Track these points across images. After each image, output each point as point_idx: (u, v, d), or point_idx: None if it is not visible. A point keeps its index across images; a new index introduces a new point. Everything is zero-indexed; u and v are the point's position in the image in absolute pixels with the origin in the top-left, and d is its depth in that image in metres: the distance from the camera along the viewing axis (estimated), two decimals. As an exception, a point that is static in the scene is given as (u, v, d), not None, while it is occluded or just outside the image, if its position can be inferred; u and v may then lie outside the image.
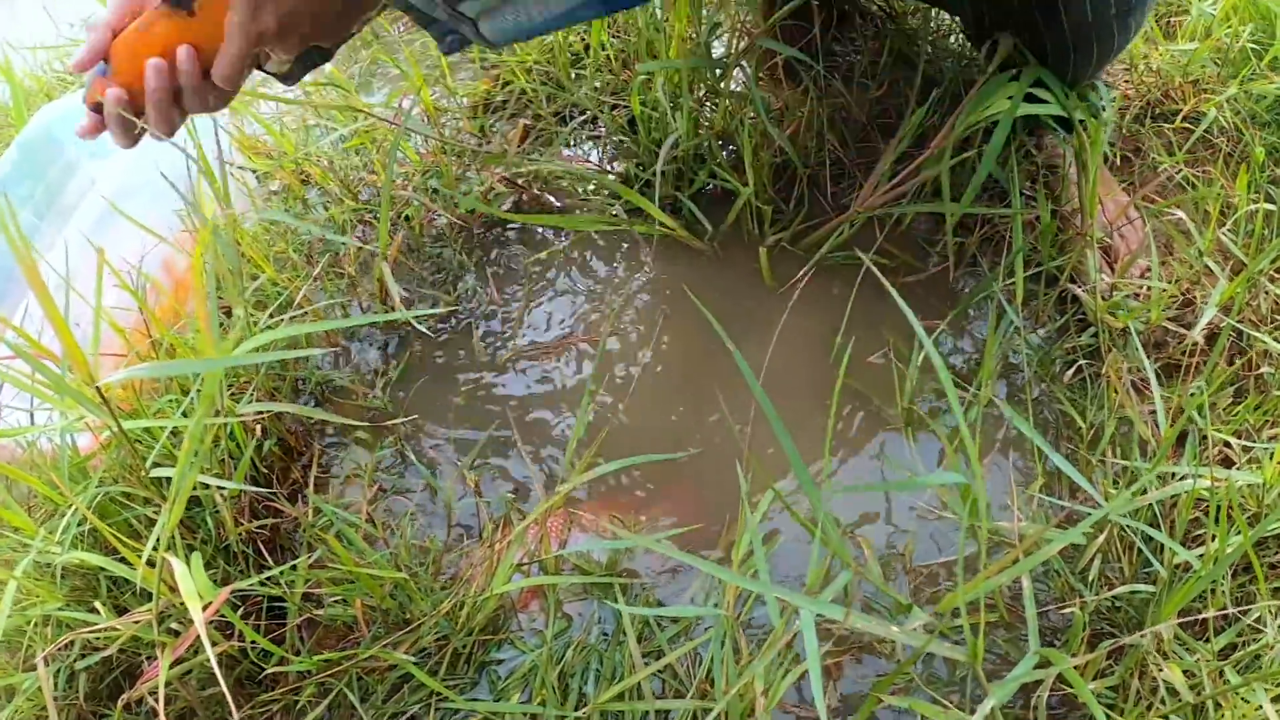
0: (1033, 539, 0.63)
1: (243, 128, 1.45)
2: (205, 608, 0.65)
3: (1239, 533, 0.85)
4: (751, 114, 1.13)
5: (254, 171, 1.37)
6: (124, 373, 0.68)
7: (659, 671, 0.86)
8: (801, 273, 1.06)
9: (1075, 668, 0.72)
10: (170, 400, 1.01)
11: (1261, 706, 0.74)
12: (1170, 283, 1.08)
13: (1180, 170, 1.24)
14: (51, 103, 1.31)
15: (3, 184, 1.19)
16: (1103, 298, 1.07)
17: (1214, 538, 0.80)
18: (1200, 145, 1.30)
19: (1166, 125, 1.29)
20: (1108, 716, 0.84)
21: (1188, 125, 1.28)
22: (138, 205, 1.10)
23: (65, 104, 1.28)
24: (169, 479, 0.79)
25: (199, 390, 0.85)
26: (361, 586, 0.86)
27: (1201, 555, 0.81)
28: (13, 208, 1.08)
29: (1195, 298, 1.11)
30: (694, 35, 1.16)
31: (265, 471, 1.05)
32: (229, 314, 1.08)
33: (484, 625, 0.89)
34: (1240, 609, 0.88)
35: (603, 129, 1.34)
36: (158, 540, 0.75)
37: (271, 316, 1.08)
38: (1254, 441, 0.97)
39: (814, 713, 0.88)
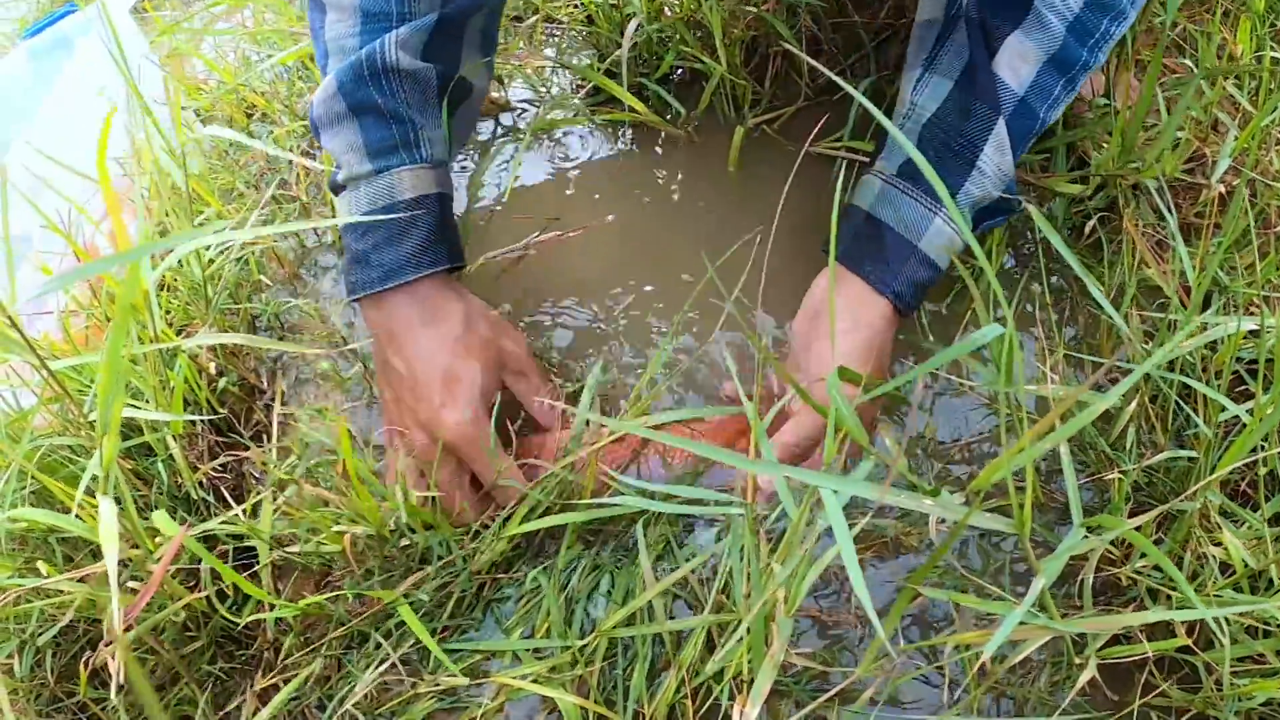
0: (1071, 400, 0.54)
1: (182, 67, 1.36)
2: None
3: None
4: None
5: (195, 111, 1.27)
6: (40, 289, 0.61)
7: (676, 588, 0.79)
8: (796, 165, 0.97)
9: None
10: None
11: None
12: (1181, 133, 1.01)
13: (1179, 25, 1.17)
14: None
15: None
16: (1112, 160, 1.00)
17: (1267, 386, 0.72)
18: (1195, 3, 1.23)
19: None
20: (1153, 591, 0.77)
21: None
22: (78, 155, 1.01)
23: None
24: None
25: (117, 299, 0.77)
26: (352, 515, 0.78)
27: (1250, 410, 0.74)
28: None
29: (1206, 153, 1.05)
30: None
31: (225, 414, 0.96)
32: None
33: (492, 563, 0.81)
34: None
35: (561, 27, 1.26)
36: (93, 480, 0.67)
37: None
38: (1285, 296, 0.90)
39: (835, 615, 0.81)
